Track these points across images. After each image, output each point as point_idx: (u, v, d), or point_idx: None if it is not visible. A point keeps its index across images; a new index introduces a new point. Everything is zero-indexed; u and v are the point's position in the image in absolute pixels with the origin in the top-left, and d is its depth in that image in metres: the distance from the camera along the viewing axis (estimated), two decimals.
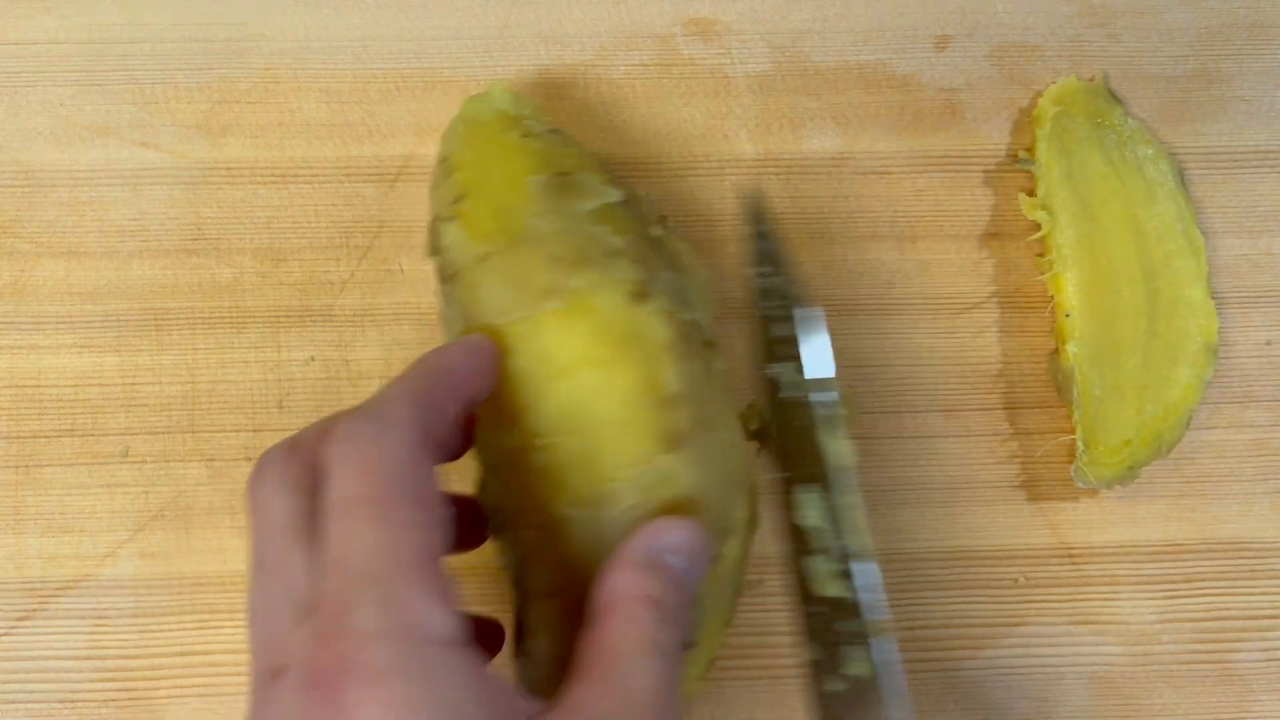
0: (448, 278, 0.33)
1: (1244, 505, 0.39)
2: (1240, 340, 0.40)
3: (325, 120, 0.40)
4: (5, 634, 0.36)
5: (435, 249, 0.33)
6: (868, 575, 0.30)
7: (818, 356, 0.32)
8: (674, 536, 0.29)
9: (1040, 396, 0.40)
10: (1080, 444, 0.37)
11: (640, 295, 0.31)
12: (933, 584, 0.38)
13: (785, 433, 0.32)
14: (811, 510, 0.31)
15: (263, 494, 0.27)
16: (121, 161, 0.40)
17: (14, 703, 0.36)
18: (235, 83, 0.41)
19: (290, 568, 0.26)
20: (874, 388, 0.39)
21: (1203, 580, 0.38)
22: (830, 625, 0.31)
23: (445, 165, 0.35)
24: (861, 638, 0.30)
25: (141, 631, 0.37)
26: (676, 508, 0.30)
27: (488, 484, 0.32)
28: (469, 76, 0.41)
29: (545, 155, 0.34)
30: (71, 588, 0.37)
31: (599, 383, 0.30)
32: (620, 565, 0.28)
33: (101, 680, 0.36)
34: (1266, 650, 0.38)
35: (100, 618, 0.37)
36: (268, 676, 0.25)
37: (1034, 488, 0.39)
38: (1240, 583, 0.38)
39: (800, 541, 0.31)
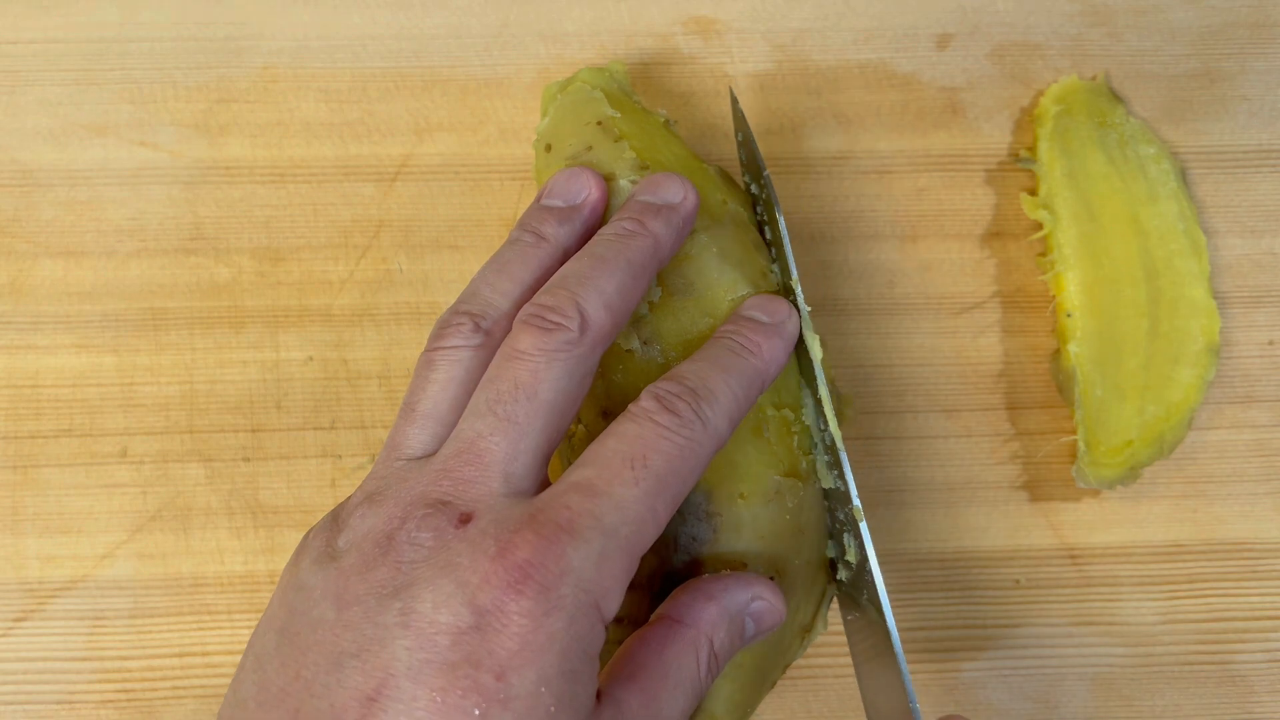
0: None
1: (1246, 506, 0.39)
2: (1242, 340, 0.40)
3: (324, 119, 0.40)
4: (3, 635, 0.36)
5: (609, 206, 0.34)
6: (844, 464, 0.32)
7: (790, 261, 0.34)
8: (764, 605, 0.30)
9: (1042, 397, 0.39)
10: (1082, 444, 0.37)
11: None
12: (934, 585, 0.38)
13: None
14: (809, 409, 0.33)
15: None
16: (120, 161, 0.40)
17: (12, 704, 0.36)
18: (234, 82, 0.41)
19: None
20: (874, 388, 0.39)
21: (1205, 581, 0.38)
22: (835, 516, 0.33)
23: (603, 129, 0.35)
24: (852, 524, 0.32)
25: (139, 632, 0.36)
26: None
27: None
28: (468, 75, 0.41)
29: (686, 145, 0.37)
30: (69, 588, 0.37)
31: (794, 364, 0.33)
32: (711, 597, 0.29)
33: (99, 681, 0.36)
34: (1268, 651, 0.38)
35: (98, 618, 0.37)
36: (458, 521, 0.26)
37: (1035, 488, 0.39)
38: (1242, 583, 0.38)
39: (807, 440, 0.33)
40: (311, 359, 0.39)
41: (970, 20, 0.42)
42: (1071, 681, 0.38)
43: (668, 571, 0.32)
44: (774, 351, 0.31)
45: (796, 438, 0.33)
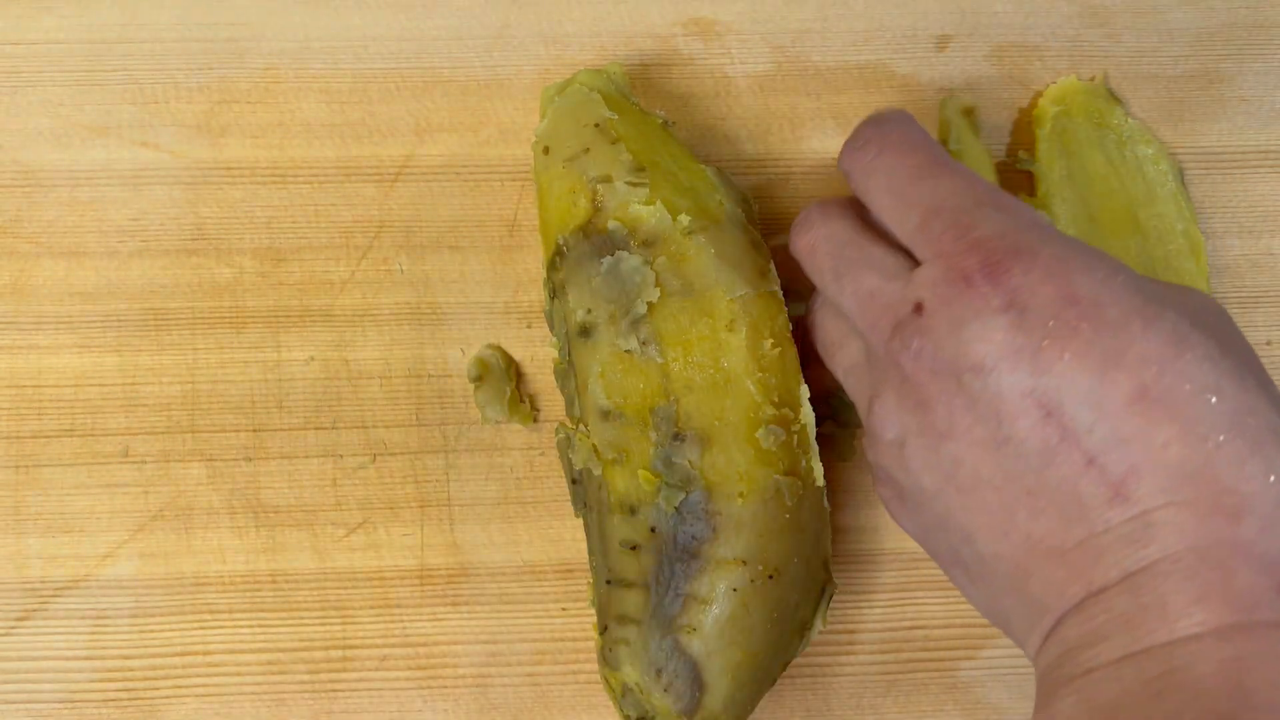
0: (646, 241, 0.34)
1: None
2: None
3: (325, 120, 0.40)
4: (5, 634, 0.36)
5: (606, 207, 0.34)
6: None
7: None
8: None
9: None
10: None
11: None
12: (933, 584, 0.38)
13: None
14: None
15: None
16: (121, 161, 0.40)
17: (14, 703, 0.36)
18: (235, 83, 0.41)
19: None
20: None
21: None
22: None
23: (600, 131, 0.35)
24: None
25: (141, 632, 0.37)
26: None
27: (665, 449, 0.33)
28: (469, 76, 0.41)
29: (685, 146, 0.37)
30: (71, 588, 0.37)
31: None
32: None
33: (101, 680, 0.36)
34: None
35: (100, 618, 0.37)
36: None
37: None
38: None
39: None
40: (313, 359, 0.39)
41: (969, 22, 0.42)
42: None
43: (666, 570, 0.32)
44: None
45: (796, 436, 0.33)
